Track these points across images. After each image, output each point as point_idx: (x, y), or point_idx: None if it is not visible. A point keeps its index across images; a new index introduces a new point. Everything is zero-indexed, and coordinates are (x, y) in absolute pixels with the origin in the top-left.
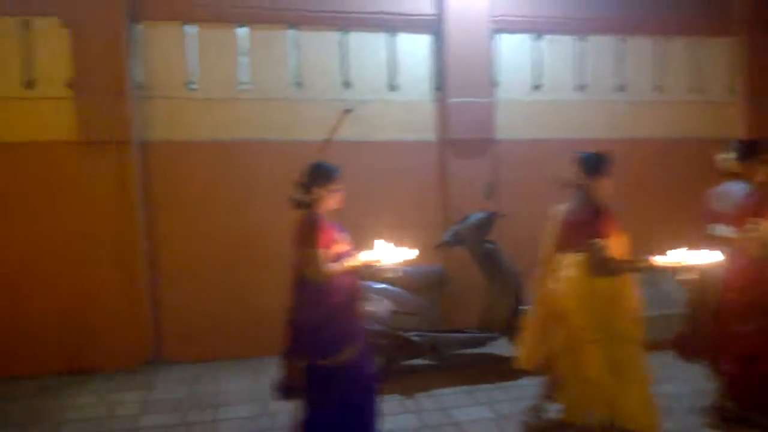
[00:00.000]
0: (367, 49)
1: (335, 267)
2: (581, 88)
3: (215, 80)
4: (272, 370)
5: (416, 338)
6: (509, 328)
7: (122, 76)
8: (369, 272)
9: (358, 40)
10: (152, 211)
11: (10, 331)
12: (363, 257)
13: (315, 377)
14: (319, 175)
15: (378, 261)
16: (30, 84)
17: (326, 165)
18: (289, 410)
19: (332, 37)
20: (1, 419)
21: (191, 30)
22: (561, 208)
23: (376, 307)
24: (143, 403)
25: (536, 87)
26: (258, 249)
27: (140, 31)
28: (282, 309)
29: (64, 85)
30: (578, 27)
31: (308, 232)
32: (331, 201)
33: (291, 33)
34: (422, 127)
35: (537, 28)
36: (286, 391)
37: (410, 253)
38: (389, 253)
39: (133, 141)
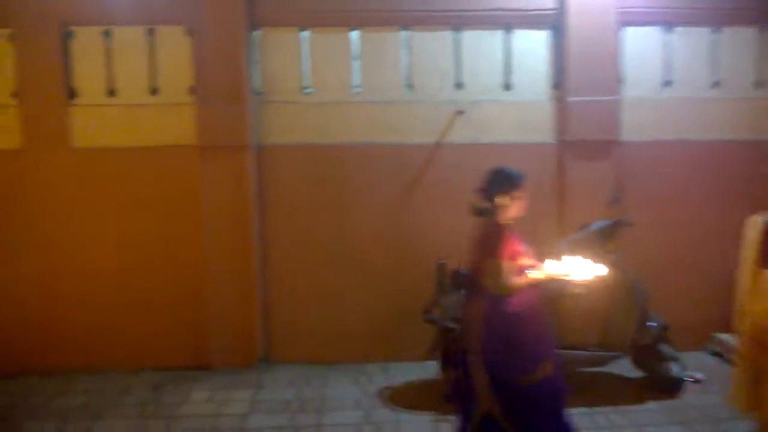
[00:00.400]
0: (481, 47)
1: (519, 280)
2: (716, 84)
3: (329, 84)
4: (378, 378)
5: None
6: (633, 347)
7: (240, 82)
8: (555, 287)
9: (472, 38)
10: (266, 214)
11: (133, 325)
12: (549, 271)
13: (504, 395)
14: (501, 181)
15: (566, 275)
16: (155, 91)
17: (509, 170)
18: (391, 420)
19: (445, 36)
20: (122, 411)
21: (306, 35)
22: (761, 220)
23: None
24: (252, 403)
25: (666, 83)
26: (368, 254)
27: (258, 37)
28: (387, 317)
29: (186, 92)
30: (713, 18)
31: (490, 242)
32: (514, 209)
33: (403, 34)
34: (539, 128)
35: (667, 20)
36: (460, 400)
37: (600, 268)
38: (577, 268)
39: (250, 145)
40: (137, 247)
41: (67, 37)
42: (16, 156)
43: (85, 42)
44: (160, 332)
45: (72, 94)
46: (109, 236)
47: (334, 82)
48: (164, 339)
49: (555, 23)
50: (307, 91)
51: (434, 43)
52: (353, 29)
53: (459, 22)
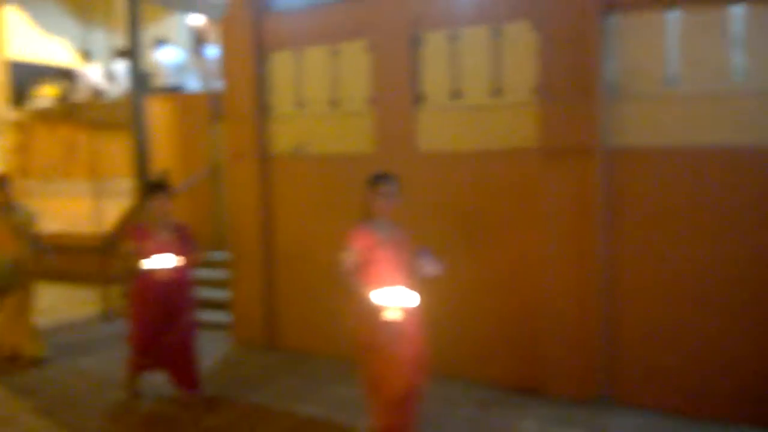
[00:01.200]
0: None
1: None
2: None
3: (701, 73)
4: None
5: None
6: None
7: (591, 76)
8: None
9: None
10: (617, 228)
11: (467, 336)
12: None
13: None
14: None
15: None
16: (497, 92)
17: None
18: None
19: None
20: (451, 425)
21: (673, 16)
22: None
23: None
24: None
25: None
26: (756, 293)
27: (613, 24)
28: None
29: (530, 91)
30: None
31: None
32: None
33: None
34: None
35: None
36: None
37: None
38: None
39: (598, 147)
40: (476, 257)
41: (416, 42)
42: (370, 160)
43: (432, 46)
44: (492, 347)
45: (418, 98)
46: (447, 243)
47: (707, 70)
48: (496, 355)
49: None
50: (672, 82)
51: None
52: (734, 3)
53: None
